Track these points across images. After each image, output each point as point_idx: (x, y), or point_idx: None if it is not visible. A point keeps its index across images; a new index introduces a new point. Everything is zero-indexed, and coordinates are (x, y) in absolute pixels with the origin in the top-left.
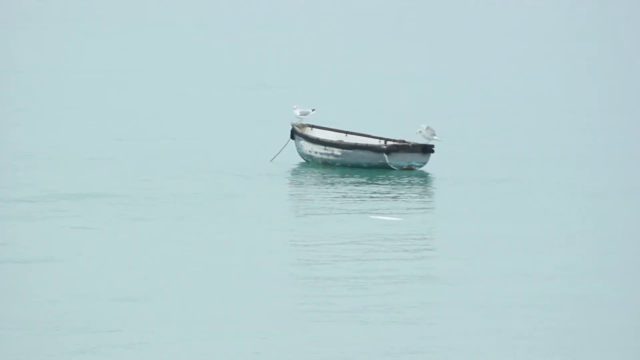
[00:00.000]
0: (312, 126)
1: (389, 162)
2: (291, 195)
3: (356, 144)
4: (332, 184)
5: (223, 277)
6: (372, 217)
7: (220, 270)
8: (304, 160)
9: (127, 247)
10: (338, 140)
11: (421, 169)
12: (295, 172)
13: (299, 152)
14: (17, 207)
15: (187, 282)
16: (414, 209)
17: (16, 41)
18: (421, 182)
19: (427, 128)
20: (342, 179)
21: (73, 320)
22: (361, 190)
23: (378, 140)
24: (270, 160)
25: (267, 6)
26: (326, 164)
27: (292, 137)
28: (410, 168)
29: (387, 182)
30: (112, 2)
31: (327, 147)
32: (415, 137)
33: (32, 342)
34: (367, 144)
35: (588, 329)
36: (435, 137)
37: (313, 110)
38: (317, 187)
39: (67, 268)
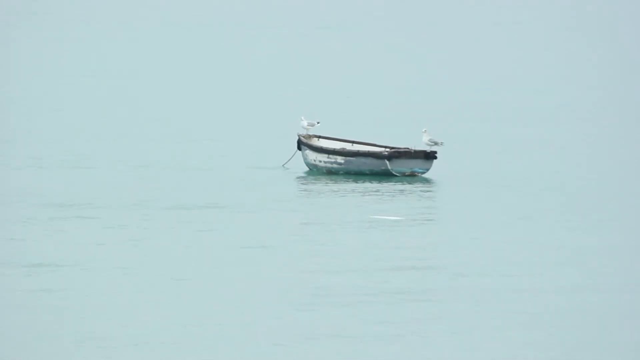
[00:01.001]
0: (319, 136)
1: (391, 169)
2: (292, 203)
3: (358, 151)
4: (332, 192)
5: (229, 283)
6: (373, 216)
7: (226, 276)
8: (309, 170)
9: (131, 253)
10: (341, 148)
11: (424, 175)
12: (297, 181)
13: (305, 162)
14: (22, 212)
15: (192, 289)
16: (416, 216)
17: (18, 45)
18: (423, 189)
19: (430, 140)
20: (344, 187)
21: (80, 327)
22: (362, 199)
23: (383, 148)
24: (283, 165)
25: (274, 14)
26: (330, 173)
27: (299, 147)
28: (413, 174)
29: (388, 189)
30: (119, 3)
31: (330, 156)
32: (420, 145)
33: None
34: (369, 151)
35: (591, 344)
36: (438, 144)
37: (318, 122)
38: (318, 194)
39: (73, 275)
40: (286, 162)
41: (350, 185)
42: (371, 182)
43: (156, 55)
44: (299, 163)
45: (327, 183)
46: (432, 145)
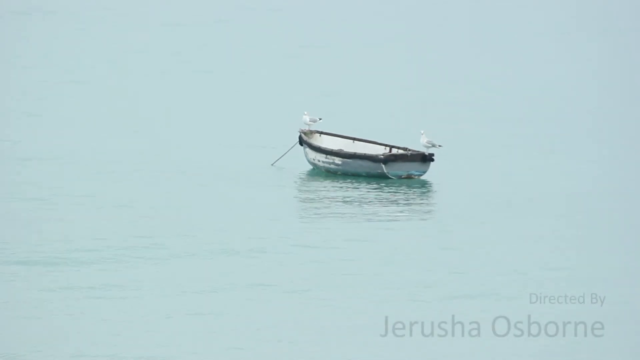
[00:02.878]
0: (321, 132)
1: (387, 172)
2: (288, 202)
3: (355, 153)
4: (327, 194)
5: (229, 282)
6: (384, 216)
7: (227, 281)
8: (310, 167)
9: (129, 252)
10: (338, 150)
11: (421, 177)
12: (296, 180)
13: (306, 159)
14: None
15: (196, 288)
16: (411, 220)
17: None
18: (419, 193)
19: (428, 142)
20: (340, 189)
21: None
22: (355, 202)
23: (384, 147)
24: (272, 164)
25: (278, 12)
26: (329, 172)
27: (301, 143)
28: (409, 177)
29: (384, 192)
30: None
31: (328, 156)
32: (419, 145)
33: None
34: (365, 154)
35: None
36: (435, 146)
37: (320, 119)
38: (313, 195)
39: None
40: (275, 161)
41: (345, 188)
42: (366, 185)
43: (155, 54)
44: (300, 160)
45: (322, 184)
46: (430, 147)
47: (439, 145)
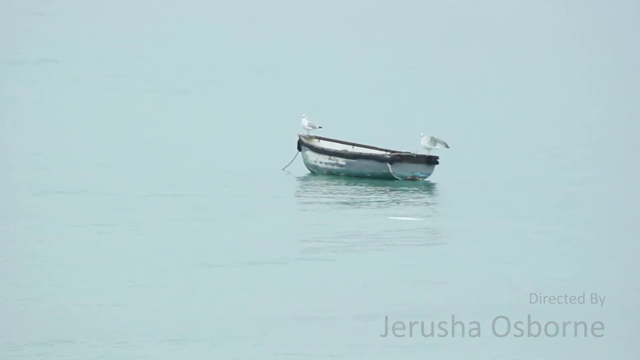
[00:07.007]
0: (319, 138)
1: (393, 172)
2: (289, 205)
3: (360, 153)
4: (336, 198)
5: (232, 282)
6: (391, 217)
7: (230, 276)
8: (309, 171)
9: (128, 252)
10: (342, 150)
11: (425, 179)
12: (297, 183)
13: (304, 163)
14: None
15: (200, 287)
16: (413, 221)
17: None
18: (424, 194)
19: (432, 139)
20: (345, 190)
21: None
22: (363, 202)
23: (384, 152)
24: (283, 169)
25: (282, 14)
26: (331, 174)
27: (299, 148)
28: (414, 179)
29: (390, 193)
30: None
31: (331, 157)
32: (421, 149)
33: None
34: (371, 154)
35: None
36: (438, 147)
37: (320, 127)
38: (317, 197)
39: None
40: (286, 166)
41: (350, 189)
42: (372, 186)
43: (156, 53)
44: (298, 165)
45: (325, 185)
46: (430, 149)
47: (444, 142)
